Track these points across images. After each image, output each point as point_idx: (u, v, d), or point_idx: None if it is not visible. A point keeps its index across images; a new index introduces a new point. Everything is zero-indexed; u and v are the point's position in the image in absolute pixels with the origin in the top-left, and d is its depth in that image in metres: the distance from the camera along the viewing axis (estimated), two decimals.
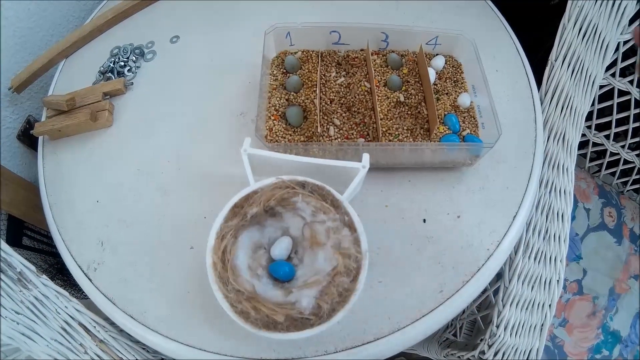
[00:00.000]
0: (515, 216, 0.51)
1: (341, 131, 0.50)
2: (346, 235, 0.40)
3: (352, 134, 0.49)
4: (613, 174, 1.01)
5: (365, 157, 0.44)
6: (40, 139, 0.61)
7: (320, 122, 0.49)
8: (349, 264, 0.39)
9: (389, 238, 0.49)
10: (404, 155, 0.49)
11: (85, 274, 0.50)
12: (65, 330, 0.48)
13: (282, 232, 0.44)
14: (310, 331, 0.37)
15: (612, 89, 0.83)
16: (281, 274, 0.41)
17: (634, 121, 0.87)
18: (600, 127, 0.94)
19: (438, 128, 0.50)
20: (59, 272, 0.85)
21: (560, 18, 0.68)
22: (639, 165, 0.94)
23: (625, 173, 1.00)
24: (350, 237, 0.40)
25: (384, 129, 0.49)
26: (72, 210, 0.54)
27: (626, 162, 0.96)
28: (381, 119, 0.50)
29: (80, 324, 0.49)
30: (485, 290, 0.60)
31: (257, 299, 0.38)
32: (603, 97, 0.86)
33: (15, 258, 0.48)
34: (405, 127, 0.50)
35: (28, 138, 0.73)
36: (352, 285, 0.39)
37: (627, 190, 1.03)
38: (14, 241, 0.74)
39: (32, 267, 0.49)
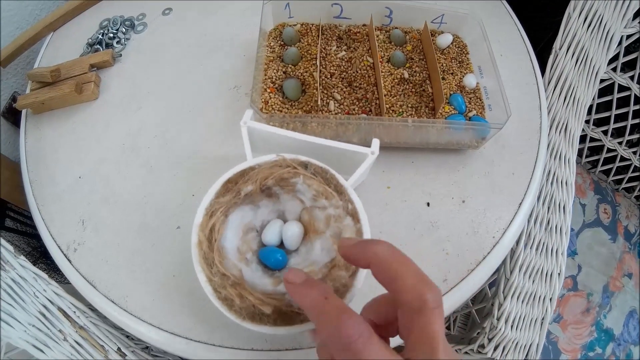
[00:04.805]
0: (520, 204, 0.49)
1: (342, 106, 0.47)
2: (348, 225, 0.36)
3: (354, 109, 0.46)
4: (606, 171, 1.00)
5: (375, 142, 0.41)
6: (23, 113, 0.58)
7: (319, 96, 0.46)
8: None
9: (391, 222, 0.46)
10: (407, 133, 0.47)
11: (64, 254, 0.47)
12: (43, 315, 0.45)
13: (277, 214, 0.40)
14: (300, 327, 0.33)
15: (612, 84, 0.82)
16: (272, 261, 0.37)
17: (633, 118, 0.86)
18: (597, 123, 0.93)
19: (444, 107, 0.48)
20: (42, 256, 0.81)
21: (563, 7, 0.66)
22: (636, 163, 0.93)
23: (619, 171, 0.99)
24: (352, 227, 0.36)
25: (387, 106, 0.47)
26: (53, 187, 0.51)
27: (622, 159, 0.94)
28: (385, 95, 0.47)
29: (60, 309, 0.46)
30: None
31: (243, 285, 0.34)
32: (602, 92, 0.84)
33: None
34: (409, 105, 0.47)
35: (13, 115, 0.69)
36: (350, 281, 0.34)
37: (622, 189, 1.03)
38: None
39: (10, 247, 0.45)
